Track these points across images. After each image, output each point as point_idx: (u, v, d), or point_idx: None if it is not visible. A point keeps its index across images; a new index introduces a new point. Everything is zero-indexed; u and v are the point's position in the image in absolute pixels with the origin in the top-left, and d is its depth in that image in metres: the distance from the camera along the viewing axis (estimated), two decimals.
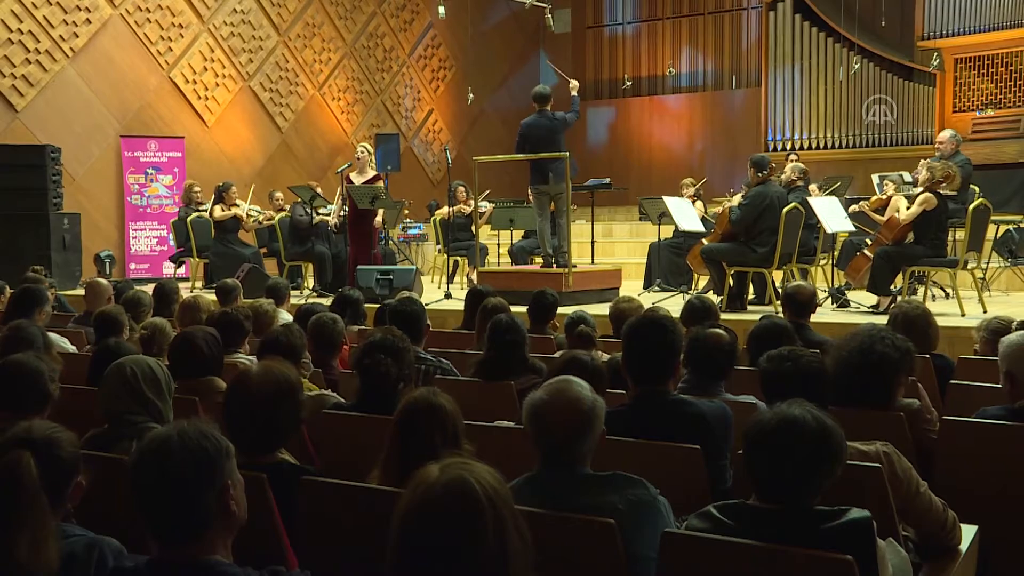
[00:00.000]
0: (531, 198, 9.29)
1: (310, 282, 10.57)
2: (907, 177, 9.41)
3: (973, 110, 13.58)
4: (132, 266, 12.35)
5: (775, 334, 4.04)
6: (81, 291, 9.16)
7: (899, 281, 7.74)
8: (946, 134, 8.78)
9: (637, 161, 16.82)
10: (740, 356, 3.87)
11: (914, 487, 2.61)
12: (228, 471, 1.94)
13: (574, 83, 9.09)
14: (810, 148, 14.64)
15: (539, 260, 9.42)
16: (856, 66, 14.17)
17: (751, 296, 8.33)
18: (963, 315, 7.17)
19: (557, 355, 4.18)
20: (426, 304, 5.74)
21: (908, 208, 7.44)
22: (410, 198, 12.90)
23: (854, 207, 8.82)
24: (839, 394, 3.06)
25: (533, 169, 8.82)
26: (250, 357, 4.46)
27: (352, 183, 9.65)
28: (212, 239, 10.67)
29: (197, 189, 11.14)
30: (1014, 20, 13.02)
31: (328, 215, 10.57)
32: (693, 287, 9.33)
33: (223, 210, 10.62)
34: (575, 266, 8.79)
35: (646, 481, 2.40)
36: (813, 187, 9.45)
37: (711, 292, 8.35)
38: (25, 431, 2.22)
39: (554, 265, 8.83)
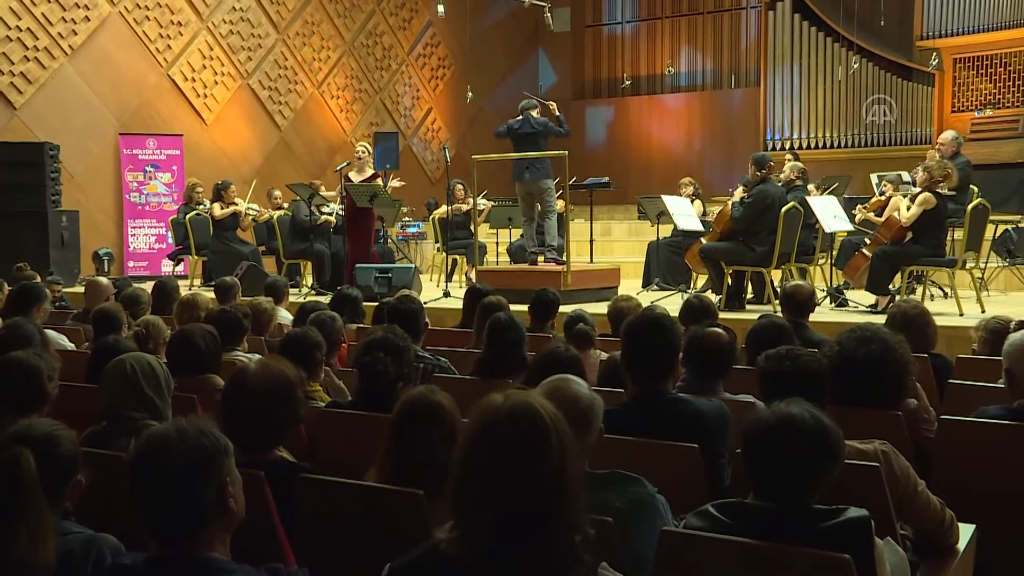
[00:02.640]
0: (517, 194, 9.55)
1: (309, 280, 10.57)
2: (905, 177, 9.41)
3: (972, 110, 13.59)
4: (130, 264, 12.34)
5: (773, 333, 4.04)
6: (79, 288, 9.15)
7: (897, 280, 7.75)
8: (948, 135, 8.77)
9: (636, 160, 16.82)
10: (738, 355, 3.87)
11: (912, 486, 2.61)
12: (226, 468, 1.94)
13: (553, 104, 9.52)
14: (809, 148, 14.63)
15: (541, 259, 9.50)
16: (855, 66, 14.17)
17: (750, 295, 8.33)
18: (961, 315, 7.17)
19: None
20: (425, 303, 5.74)
21: (908, 209, 7.44)
22: (409, 196, 12.88)
23: (856, 214, 8.79)
24: (848, 394, 3.05)
25: (514, 166, 9.15)
26: (248, 355, 4.45)
27: (351, 182, 9.64)
28: (211, 237, 10.67)
29: (199, 189, 11.12)
30: (1013, 20, 13.02)
31: (331, 215, 10.56)
32: (692, 286, 9.33)
33: (222, 208, 10.60)
34: (561, 259, 8.97)
35: (644, 479, 2.41)
36: (811, 187, 9.45)
37: (710, 291, 8.35)
38: (26, 428, 2.23)
39: (544, 258, 9.07)
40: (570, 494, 1.73)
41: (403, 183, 10.92)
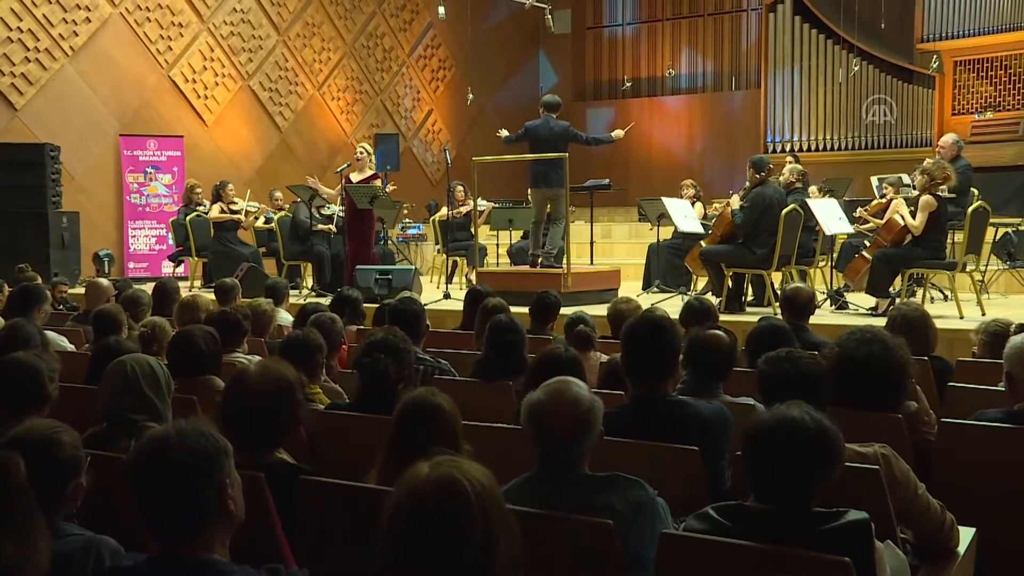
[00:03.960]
0: (530, 199, 9.39)
1: (309, 282, 10.57)
2: (906, 179, 9.41)
3: (972, 113, 13.59)
4: (131, 265, 12.34)
5: (774, 336, 4.03)
6: (79, 289, 9.16)
7: (898, 283, 7.75)
8: (948, 139, 8.77)
9: (636, 162, 16.81)
10: (739, 357, 3.87)
11: (912, 489, 2.61)
12: (226, 470, 1.94)
13: (619, 133, 9.15)
14: (809, 150, 14.65)
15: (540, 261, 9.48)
16: (855, 68, 14.18)
17: (750, 298, 8.33)
18: (961, 317, 7.17)
19: None
20: (425, 304, 5.74)
21: (911, 213, 7.43)
22: (409, 198, 12.88)
23: (857, 224, 8.77)
24: (848, 396, 3.05)
25: (531, 171, 8.93)
26: (249, 357, 4.45)
27: (351, 183, 9.64)
28: (211, 238, 10.66)
29: (199, 190, 11.11)
30: (1014, 22, 13.02)
31: (331, 221, 10.52)
32: (692, 288, 9.33)
33: (222, 210, 10.60)
34: (557, 265, 8.91)
35: (644, 482, 2.40)
36: (812, 189, 9.45)
37: (710, 293, 8.35)
38: (25, 431, 2.22)
39: (539, 264, 8.98)
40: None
41: (395, 187, 10.94)
